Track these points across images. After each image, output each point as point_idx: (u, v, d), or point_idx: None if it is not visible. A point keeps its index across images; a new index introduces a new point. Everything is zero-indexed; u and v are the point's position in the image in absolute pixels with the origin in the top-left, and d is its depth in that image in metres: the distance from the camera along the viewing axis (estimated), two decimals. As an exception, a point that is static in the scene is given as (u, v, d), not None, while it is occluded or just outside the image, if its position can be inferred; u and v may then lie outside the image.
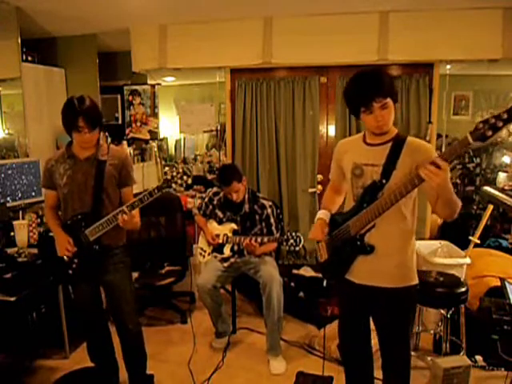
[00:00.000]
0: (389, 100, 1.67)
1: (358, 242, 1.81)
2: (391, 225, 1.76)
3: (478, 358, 2.66)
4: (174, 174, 2.02)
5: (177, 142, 5.78)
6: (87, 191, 2.12)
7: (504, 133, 4.80)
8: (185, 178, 2.04)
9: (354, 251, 1.83)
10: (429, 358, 2.61)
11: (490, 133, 1.37)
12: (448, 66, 3.76)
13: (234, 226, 2.93)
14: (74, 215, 2.14)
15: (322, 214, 1.99)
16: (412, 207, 1.80)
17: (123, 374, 2.41)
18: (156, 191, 2.02)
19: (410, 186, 1.60)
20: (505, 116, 1.35)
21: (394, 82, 1.74)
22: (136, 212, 2.12)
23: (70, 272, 2.19)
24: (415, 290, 1.84)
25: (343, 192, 2.02)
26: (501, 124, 1.36)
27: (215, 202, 3.05)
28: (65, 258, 2.18)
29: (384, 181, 1.72)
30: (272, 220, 2.94)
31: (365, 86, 1.68)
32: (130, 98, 4.75)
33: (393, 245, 1.79)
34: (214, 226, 3.02)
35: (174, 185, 2.03)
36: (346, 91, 1.77)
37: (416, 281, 1.84)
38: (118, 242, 2.22)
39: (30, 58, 4.06)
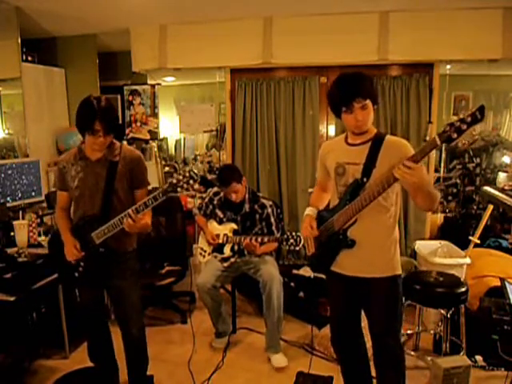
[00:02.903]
0: (368, 101, 1.77)
1: (341, 236, 1.90)
2: (372, 219, 1.85)
3: (478, 358, 2.66)
4: (180, 177, 1.92)
5: (177, 141, 5.77)
6: (98, 193, 2.06)
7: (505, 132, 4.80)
8: (191, 182, 1.93)
9: (338, 245, 1.92)
10: (429, 358, 2.61)
11: (455, 135, 1.48)
12: (448, 66, 3.76)
13: (234, 225, 2.93)
14: (82, 217, 2.11)
15: (309, 211, 2.08)
16: (394, 200, 1.88)
17: (123, 374, 2.41)
18: (160, 195, 1.93)
19: (386, 184, 1.71)
20: (468, 119, 1.45)
21: (375, 85, 1.88)
22: (146, 214, 2.04)
23: (76, 275, 2.16)
24: (400, 279, 1.92)
25: (329, 190, 2.10)
26: (465, 127, 1.45)
27: (215, 202, 3.05)
28: (71, 260, 2.15)
29: (365, 179, 1.81)
30: (272, 220, 2.94)
31: (346, 87, 1.78)
32: (130, 97, 4.75)
33: (374, 237, 1.88)
34: (214, 226, 3.02)
35: (179, 189, 1.92)
36: (329, 92, 1.86)
37: (399, 271, 1.92)
38: (126, 247, 2.17)
39: (30, 58, 4.05)
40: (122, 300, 2.21)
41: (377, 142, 1.82)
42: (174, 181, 1.93)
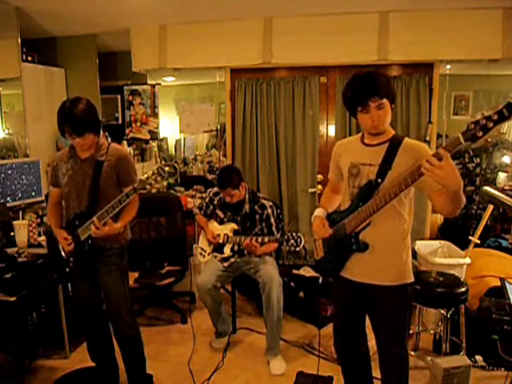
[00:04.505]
0: (385, 101, 1.71)
1: (353, 240, 1.83)
2: (386, 223, 1.79)
3: (478, 358, 2.66)
4: (150, 174, 1.96)
5: (177, 141, 5.78)
6: (84, 191, 2.13)
7: (505, 128, 4.80)
8: (159, 179, 1.96)
9: (349, 249, 1.86)
10: (429, 358, 2.61)
11: (480, 133, 1.39)
12: (448, 66, 3.76)
13: (234, 225, 2.93)
14: (72, 214, 2.17)
15: (319, 212, 2.01)
16: (408, 208, 1.82)
17: (123, 374, 2.41)
18: (132, 192, 1.99)
19: (409, 180, 1.60)
20: (495, 117, 1.36)
21: (391, 83, 1.78)
22: (122, 216, 2.12)
23: (67, 270, 2.22)
24: (411, 288, 1.87)
25: (341, 191, 2.03)
26: (491, 125, 1.37)
27: (215, 202, 3.05)
28: (63, 255, 2.21)
29: (379, 180, 1.74)
30: (272, 220, 2.94)
31: (362, 86, 1.72)
32: (130, 97, 4.75)
33: (388, 243, 1.81)
34: (214, 226, 3.03)
35: (148, 186, 1.96)
36: (344, 91, 1.81)
37: (411, 279, 1.86)
38: (112, 243, 2.20)
39: (30, 58, 4.06)
40: (108, 295, 2.25)
41: (394, 144, 1.76)
42: (143, 178, 1.98)
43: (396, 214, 1.78)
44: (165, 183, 1.99)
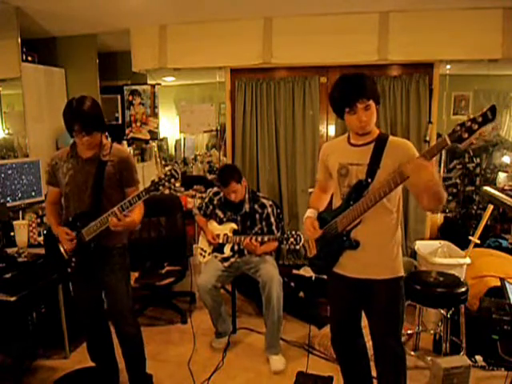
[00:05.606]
0: (371, 102, 1.76)
1: (345, 238, 1.89)
2: (376, 221, 1.84)
3: (478, 358, 2.66)
4: (162, 176, 1.97)
5: (177, 141, 5.78)
6: (86, 191, 2.12)
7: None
8: (172, 180, 1.97)
9: (341, 247, 1.91)
10: (429, 358, 2.61)
11: (466, 135, 1.46)
12: (448, 66, 3.77)
13: (234, 225, 2.93)
14: (73, 214, 2.16)
15: (309, 213, 2.07)
16: (397, 203, 1.88)
17: (123, 374, 2.41)
18: (144, 194, 1.98)
19: (393, 184, 1.69)
20: (480, 119, 1.44)
21: (377, 85, 1.89)
22: (133, 212, 2.09)
23: (69, 270, 2.21)
24: (402, 281, 1.92)
25: (330, 191, 2.09)
26: (476, 127, 1.44)
27: (215, 202, 3.05)
28: (64, 255, 2.19)
29: (370, 180, 1.80)
30: (272, 219, 2.94)
31: (350, 88, 1.77)
32: (130, 97, 4.75)
33: (378, 239, 1.87)
34: (214, 226, 3.03)
35: (161, 187, 1.96)
36: (331, 93, 1.85)
37: (402, 273, 1.92)
38: (116, 242, 2.20)
39: (29, 58, 4.06)
40: (111, 294, 2.25)
41: (380, 143, 1.81)
42: (156, 179, 1.98)
43: (386, 210, 1.83)
44: (178, 185, 1.98)
